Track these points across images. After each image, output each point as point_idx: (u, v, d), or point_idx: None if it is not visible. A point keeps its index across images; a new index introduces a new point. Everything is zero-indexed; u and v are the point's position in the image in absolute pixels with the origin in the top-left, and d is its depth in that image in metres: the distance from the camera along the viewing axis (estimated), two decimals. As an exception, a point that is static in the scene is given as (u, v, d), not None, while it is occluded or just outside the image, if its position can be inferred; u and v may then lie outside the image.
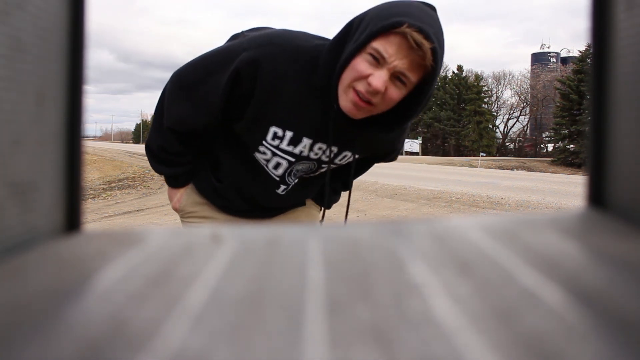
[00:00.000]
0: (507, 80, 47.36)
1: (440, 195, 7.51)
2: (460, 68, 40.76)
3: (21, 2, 0.34)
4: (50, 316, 0.23)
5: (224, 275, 0.29)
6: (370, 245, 0.35)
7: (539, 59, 60.54)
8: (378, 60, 0.88)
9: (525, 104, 45.53)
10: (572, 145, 29.29)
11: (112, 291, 0.27)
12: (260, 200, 1.18)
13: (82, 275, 0.30)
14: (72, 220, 0.42)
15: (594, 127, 0.43)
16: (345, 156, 1.12)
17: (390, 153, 1.25)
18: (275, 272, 0.30)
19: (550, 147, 37.65)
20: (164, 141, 1.13)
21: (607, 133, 0.42)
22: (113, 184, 11.20)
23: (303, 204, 1.30)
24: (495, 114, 42.20)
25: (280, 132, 1.04)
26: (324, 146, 1.07)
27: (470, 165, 21.16)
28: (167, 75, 1.14)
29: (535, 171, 21.60)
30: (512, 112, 45.29)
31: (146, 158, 1.22)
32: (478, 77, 40.10)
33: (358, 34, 0.91)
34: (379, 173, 9.86)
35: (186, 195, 1.22)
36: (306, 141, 1.05)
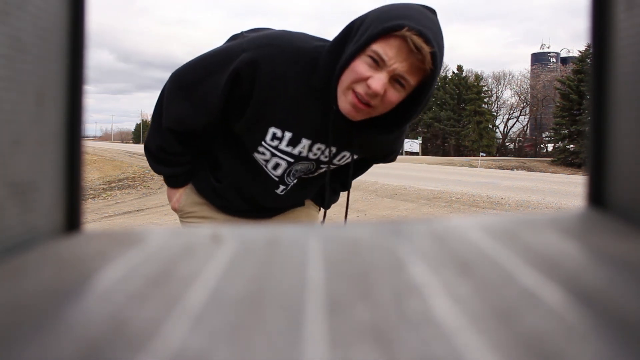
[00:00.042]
0: (507, 80, 47.40)
1: (440, 195, 7.51)
2: (460, 68, 40.77)
3: (21, 2, 0.34)
4: (50, 316, 0.23)
5: (224, 275, 0.29)
6: (370, 245, 0.35)
7: (539, 59, 60.55)
8: (378, 63, 0.88)
9: (525, 104, 45.55)
10: (572, 145, 29.29)
11: (112, 291, 0.27)
12: (260, 201, 1.18)
13: (82, 275, 0.30)
14: (72, 220, 0.42)
15: (594, 127, 0.43)
16: (343, 156, 1.12)
17: (389, 154, 1.25)
18: (275, 272, 0.30)
19: (550, 147, 37.65)
20: (162, 141, 1.13)
21: (607, 133, 0.42)
22: (113, 184, 11.20)
23: (302, 204, 1.30)
24: (495, 114, 42.21)
25: (279, 133, 1.04)
26: (322, 146, 1.07)
27: (470, 165, 21.17)
28: (167, 75, 1.14)
29: (535, 171, 21.61)
30: (512, 112, 45.32)
31: (146, 158, 1.22)
32: (478, 77, 40.10)
33: (358, 36, 0.91)
34: (379, 173, 9.86)
35: (185, 195, 1.22)
36: (305, 142, 1.05)
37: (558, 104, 32.43)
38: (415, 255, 0.33)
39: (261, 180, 1.13)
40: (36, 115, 0.36)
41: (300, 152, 1.07)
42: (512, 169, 22.11)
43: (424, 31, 0.85)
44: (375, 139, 1.11)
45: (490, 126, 39.81)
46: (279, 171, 1.11)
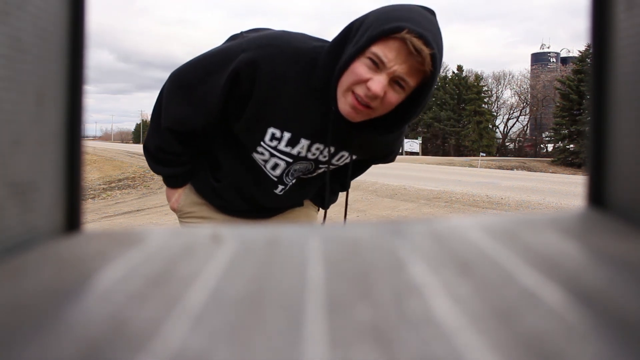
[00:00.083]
0: (507, 80, 47.40)
1: (440, 195, 7.51)
2: (460, 68, 40.76)
3: (21, 2, 0.34)
4: (50, 316, 0.23)
5: (224, 275, 0.29)
6: (370, 245, 0.35)
7: (539, 59, 60.55)
8: (377, 65, 0.88)
9: (525, 104, 45.55)
10: (572, 145, 29.29)
11: (112, 291, 0.27)
12: (259, 200, 1.18)
13: (82, 275, 0.30)
14: (72, 220, 0.42)
15: (594, 127, 0.43)
16: (342, 156, 1.12)
17: (388, 155, 1.25)
18: (275, 272, 0.30)
19: (550, 147, 37.65)
20: (161, 141, 1.13)
21: (607, 133, 0.42)
22: (113, 184, 11.21)
23: (301, 204, 1.30)
24: (495, 114, 42.20)
25: (278, 133, 1.04)
26: (321, 146, 1.07)
27: (470, 165, 21.17)
28: (167, 75, 1.14)
29: (535, 171, 21.61)
30: (512, 112, 45.32)
31: (145, 158, 1.22)
32: (478, 77, 40.10)
33: (358, 37, 0.91)
34: (379, 173, 9.86)
35: (184, 195, 1.22)
36: (304, 142, 1.05)
37: (558, 104, 32.43)
38: (415, 255, 0.33)
39: (260, 180, 1.13)
40: (36, 115, 0.36)
41: (299, 152, 1.07)
42: (512, 169, 22.11)
43: (423, 33, 0.85)
44: (374, 140, 1.11)
45: (490, 126, 39.81)
46: (278, 171, 1.11)
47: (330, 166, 1.14)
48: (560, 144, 30.78)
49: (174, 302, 0.25)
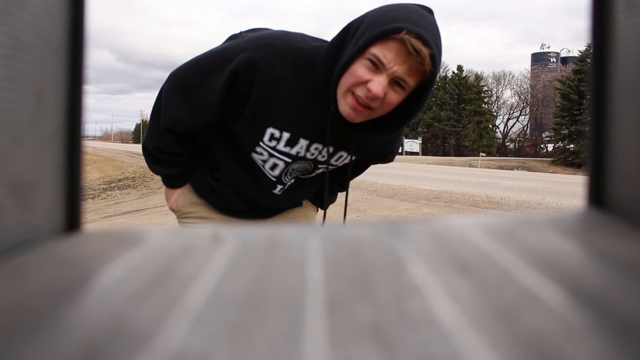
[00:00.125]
0: (507, 80, 47.40)
1: (440, 195, 7.51)
2: (460, 68, 40.76)
3: (21, 2, 0.34)
4: (50, 316, 0.23)
5: (224, 275, 0.29)
6: (370, 245, 0.35)
7: (539, 59, 60.54)
8: (377, 66, 0.88)
9: (525, 104, 45.55)
10: (572, 145, 29.29)
11: (112, 291, 0.27)
12: (257, 201, 1.18)
13: (82, 275, 0.30)
14: (72, 220, 0.42)
15: (594, 127, 0.43)
16: (341, 156, 1.12)
17: (387, 155, 1.25)
18: (275, 272, 0.30)
19: (550, 147, 37.65)
20: (160, 142, 1.13)
21: (607, 133, 0.42)
22: (113, 184, 11.21)
23: (300, 204, 1.30)
24: (495, 114, 42.20)
25: (277, 134, 1.04)
26: (320, 147, 1.07)
27: (470, 165, 21.17)
28: (166, 75, 1.14)
29: (535, 171, 21.61)
30: (512, 112, 45.32)
31: (144, 158, 1.22)
32: (478, 77, 40.10)
33: (356, 38, 0.91)
34: (379, 173, 9.86)
35: (183, 195, 1.22)
36: (303, 142, 1.05)
37: (558, 104, 32.42)
38: (415, 255, 0.33)
39: (258, 180, 1.13)
40: (36, 115, 0.36)
41: (298, 153, 1.07)
42: (512, 169, 22.11)
43: (422, 34, 0.85)
44: (374, 140, 1.11)
45: (490, 126, 39.81)
46: (277, 171, 1.11)
47: (329, 166, 1.14)
48: (560, 144, 30.78)
49: (173, 302, 0.25)
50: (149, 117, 1.27)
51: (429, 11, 0.94)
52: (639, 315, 0.22)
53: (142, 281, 0.28)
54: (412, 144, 37.69)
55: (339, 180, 1.28)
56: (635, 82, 0.38)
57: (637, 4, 0.37)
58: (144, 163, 1.26)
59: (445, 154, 39.35)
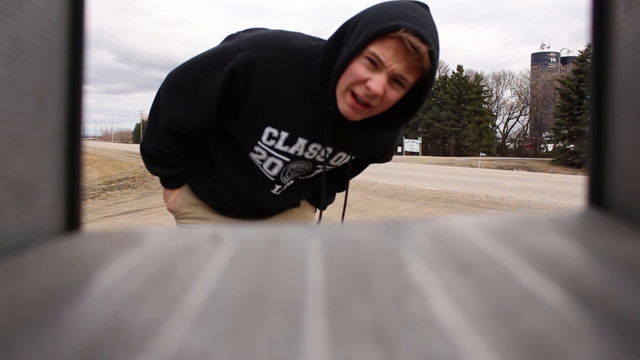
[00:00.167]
0: (507, 80, 47.40)
1: (440, 195, 7.51)
2: (460, 68, 40.76)
3: (21, 2, 0.34)
4: (50, 316, 0.23)
5: (224, 276, 0.29)
6: (370, 245, 0.35)
7: (539, 59, 60.54)
8: (376, 64, 0.88)
9: (525, 104, 45.55)
10: (572, 145, 29.29)
11: (112, 291, 0.27)
12: (255, 201, 1.18)
13: (82, 275, 0.30)
14: (72, 220, 0.42)
15: (594, 127, 0.43)
16: (340, 157, 1.12)
17: (385, 153, 1.25)
18: (275, 272, 0.30)
19: (550, 147, 37.65)
20: (158, 142, 1.12)
21: (607, 133, 0.42)
22: (113, 184, 11.21)
23: (298, 204, 1.30)
24: (495, 114, 42.20)
25: (275, 133, 1.04)
26: (318, 146, 1.07)
27: (470, 165, 21.17)
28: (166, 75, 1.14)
29: (535, 171, 21.61)
30: (512, 112, 45.32)
31: (142, 159, 1.22)
32: (478, 77, 40.10)
33: (354, 37, 0.91)
34: (379, 173, 9.86)
35: (181, 196, 1.22)
36: (301, 141, 1.05)
37: (558, 104, 32.42)
38: (415, 255, 0.33)
39: (256, 180, 1.13)
40: (36, 115, 0.36)
41: (296, 152, 1.07)
42: (512, 169, 22.11)
43: (420, 31, 0.85)
44: (373, 138, 1.11)
45: (490, 126, 39.81)
46: (275, 171, 1.11)
47: (328, 167, 1.14)
48: (560, 144, 30.78)
49: (173, 302, 0.25)
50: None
51: (425, 7, 0.94)
52: (639, 315, 0.22)
53: (142, 281, 0.28)
54: (412, 144, 37.69)
55: (338, 180, 1.27)
56: (635, 82, 0.38)
57: (637, 4, 0.37)
58: (143, 163, 1.26)
59: (445, 154, 39.36)
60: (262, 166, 1.11)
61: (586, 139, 0.45)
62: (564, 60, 55.25)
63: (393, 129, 1.03)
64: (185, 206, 1.22)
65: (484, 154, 32.37)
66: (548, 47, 61.12)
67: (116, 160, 16.76)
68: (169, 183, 1.21)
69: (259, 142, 1.06)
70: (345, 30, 0.96)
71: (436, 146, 41.63)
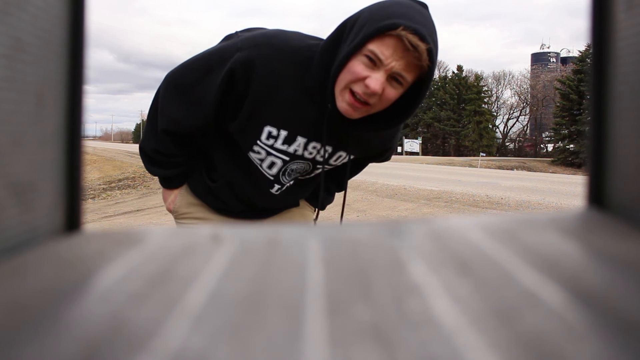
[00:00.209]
0: (507, 80, 47.41)
1: (440, 195, 7.51)
2: (460, 68, 40.76)
3: (21, 2, 0.34)
4: (50, 316, 0.23)
5: (224, 276, 0.29)
6: (370, 245, 0.35)
7: (539, 59, 60.55)
8: (374, 62, 0.88)
9: (525, 104, 45.55)
10: (572, 145, 29.29)
11: (112, 291, 0.27)
12: (255, 200, 1.18)
13: (82, 275, 0.30)
14: (72, 220, 0.42)
15: (594, 127, 0.43)
16: (339, 156, 1.12)
17: (384, 152, 1.25)
18: (275, 272, 0.30)
19: (550, 147, 37.65)
20: (157, 143, 1.12)
21: (607, 133, 0.42)
22: (113, 184, 11.21)
23: (297, 204, 1.30)
24: (495, 114, 42.21)
25: (274, 132, 1.04)
26: (318, 145, 1.07)
27: (470, 165, 21.17)
28: (166, 75, 1.14)
29: (535, 171, 21.61)
30: (512, 112, 45.33)
31: (141, 159, 1.22)
32: (478, 77, 40.10)
33: (353, 35, 0.92)
34: (379, 173, 9.86)
35: (180, 196, 1.22)
36: (300, 140, 1.05)
37: (558, 104, 32.43)
38: (415, 255, 0.33)
39: (256, 179, 1.13)
40: (36, 115, 0.36)
41: (295, 151, 1.07)
42: (512, 169, 22.11)
43: (419, 29, 0.86)
44: (371, 136, 1.11)
45: (490, 126, 39.82)
46: (274, 170, 1.11)
47: (327, 166, 1.14)
48: (560, 144, 30.78)
49: (173, 302, 0.25)
50: (147, 117, 1.26)
51: (424, 6, 0.95)
52: (639, 315, 0.22)
53: (142, 281, 0.28)
54: (412, 144, 37.68)
55: (337, 180, 1.28)
56: (635, 82, 0.38)
57: (637, 4, 0.37)
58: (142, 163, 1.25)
59: (445, 154, 39.36)
60: (261, 165, 1.11)
61: (586, 139, 0.45)
62: (564, 60, 55.26)
63: (392, 127, 1.03)
64: (184, 206, 1.22)
65: (484, 154, 32.38)
66: (548, 47, 61.13)
67: (116, 160, 16.76)
68: (168, 183, 1.21)
69: (258, 142, 1.06)
70: (344, 29, 0.96)
71: (436, 146, 41.63)
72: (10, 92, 0.33)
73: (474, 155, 33.23)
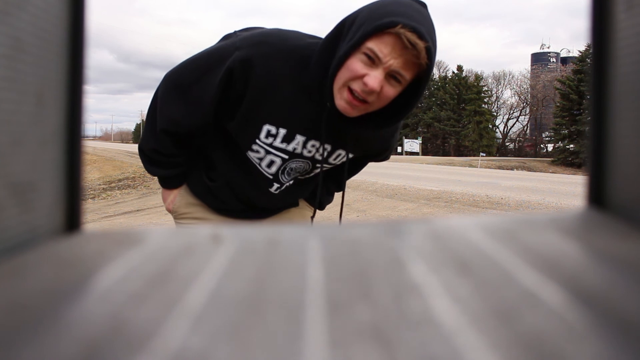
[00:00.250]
0: (507, 80, 47.41)
1: (440, 195, 7.51)
2: (460, 68, 40.76)
3: (21, 2, 0.34)
4: (50, 316, 0.23)
5: (224, 275, 0.29)
6: (370, 245, 0.35)
7: (539, 59, 60.56)
8: (373, 60, 0.88)
9: (525, 104, 45.55)
10: (572, 145, 29.29)
11: (112, 291, 0.27)
12: (254, 200, 1.18)
13: (82, 275, 0.30)
14: (72, 220, 0.42)
15: (594, 127, 0.43)
16: (339, 155, 1.12)
17: (383, 151, 1.25)
18: (275, 272, 0.30)
19: (550, 147, 37.65)
20: (156, 143, 1.12)
21: (607, 133, 0.42)
22: (113, 184, 11.21)
23: (296, 204, 1.30)
24: (495, 114, 42.21)
25: (273, 130, 1.04)
26: (317, 143, 1.08)
27: (470, 165, 21.17)
28: (166, 76, 1.11)
29: (535, 171, 21.61)
30: (512, 112, 45.32)
31: (140, 160, 1.22)
32: (478, 77, 40.10)
33: (351, 33, 0.92)
34: (379, 173, 9.86)
35: (180, 196, 1.22)
36: (299, 138, 1.06)
37: (558, 104, 32.43)
38: (415, 255, 0.33)
39: (255, 179, 1.13)
40: (36, 115, 0.36)
41: (294, 149, 1.07)
42: (512, 169, 22.12)
43: (417, 27, 0.86)
44: (370, 135, 1.11)
45: (490, 126, 39.82)
46: (273, 169, 1.11)
47: (327, 165, 1.14)
48: (560, 144, 30.78)
49: (173, 302, 0.25)
50: (147, 118, 1.26)
51: (423, 5, 0.95)
52: (639, 315, 0.22)
53: (142, 281, 0.28)
54: (412, 144, 37.69)
55: (336, 179, 1.28)
56: (635, 82, 0.38)
57: (637, 4, 0.37)
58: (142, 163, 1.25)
59: (445, 154, 39.36)
60: (260, 164, 1.11)
61: (586, 139, 0.45)
62: (564, 60, 55.27)
63: (390, 125, 1.03)
64: (184, 206, 1.22)
65: (484, 154, 32.38)
66: (548, 47, 61.14)
67: (116, 160, 16.77)
68: (167, 183, 1.21)
69: (257, 140, 1.06)
70: (343, 28, 0.96)
71: (436, 146, 41.63)
72: (10, 92, 0.33)
73: (474, 155, 33.23)
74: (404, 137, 38.54)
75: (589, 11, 0.43)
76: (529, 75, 50.75)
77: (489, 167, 21.26)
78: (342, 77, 0.92)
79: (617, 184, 0.41)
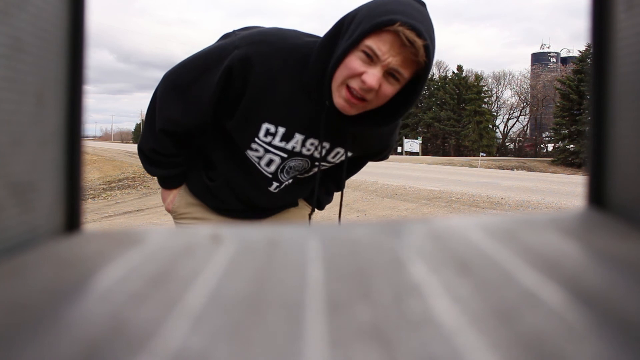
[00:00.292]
0: (507, 80, 47.41)
1: (440, 195, 7.51)
2: (460, 68, 40.76)
3: (21, 2, 0.34)
4: (50, 316, 0.23)
5: (224, 275, 0.29)
6: (370, 245, 0.35)
7: (539, 59, 60.57)
8: (371, 58, 0.89)
9: (525, 104, 45.55)
10: (572, 145, 29.29)
11: (112, 291, 0.27)
12: (254, 199, 1.18)
13: (82, 275, 0.30)
14: (72, 220, 0.42)
15: (594, 127, 0.43)
16: (337, 153, 1.12)
17: (383, 150, 1.25)
18: (275, 272, 0.30)
19: (550, 147, 37.65)
20: (156, 143, 1.12)
21: (607, 133, 0.42)
22: (113, 184, 11.21)
23: (296, 204, 1.30)
24: (495, 114, 42.21)
25: (272, 129, 1.04)
26: (316, 142, 1.08)
27: (470, 165, 21.17)
28: (166, 76, 1.09)
29: (535, 171, 21.61)
30: (512, 112, 45.32)
31: (140, 160, 1.22)
32: (478, 77, 40.10)
33: (350, 31, 0.92)
34: (379, 173, 9.86)
35: (179, 196, 1.22)
36: (298, 137, 1.06)
37: (558, 104, 32.42)
38: (415, 255, 0.33)
39: (254, 178, 1.13)
40: (36, 115, 0.36)
41: (293, 147, 1.07)
42: (512, 169, 22.12)
43: (416, 25, 0.86)
44: (369, 133, 1.11)
45: (490, 126, 39.82)
46: (273, 167, 1.11)
47: (325, 164, 1.14)
48: (560, 144, 30.78)
49: (173, 302, 0.25)
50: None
51: (422, 4, 0.95)
52: (639, 315, 0.22)
53: (142, 281, 0.28)
54: (412, 144, 37.68)
55: (335, 179, 1.28)
56: (635, 82, 0.38)
57: (637, 4, 0.37)
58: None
59: (445, 154, 39.36)
60: (259, 163, 1.11)
61: (586, 139, 0.45)
62: (564, 60, 55.28)
63: (389, 123, 1.03)
64: (183, 206, 1.22)
65: (484, 154, 32.38)
66: (548, 47, 61.15)
67: (116, 160, 16.77)
68: (166, 183, 1.21)
69: (256, 139, 1.06)
70: (342, 26, 0.96)
71: (436, 146, 41.62)
72: (10, 92, 0.33)
73: (474, 155, 33.24)
74: (404, 137, 38.54)
75: (589, 11, 0.43)
76: (529, 75, 50.77)
77: (489, 167, 21.26)
78: (340, 75, 0.92)
79: (617, 184, 0.41)
